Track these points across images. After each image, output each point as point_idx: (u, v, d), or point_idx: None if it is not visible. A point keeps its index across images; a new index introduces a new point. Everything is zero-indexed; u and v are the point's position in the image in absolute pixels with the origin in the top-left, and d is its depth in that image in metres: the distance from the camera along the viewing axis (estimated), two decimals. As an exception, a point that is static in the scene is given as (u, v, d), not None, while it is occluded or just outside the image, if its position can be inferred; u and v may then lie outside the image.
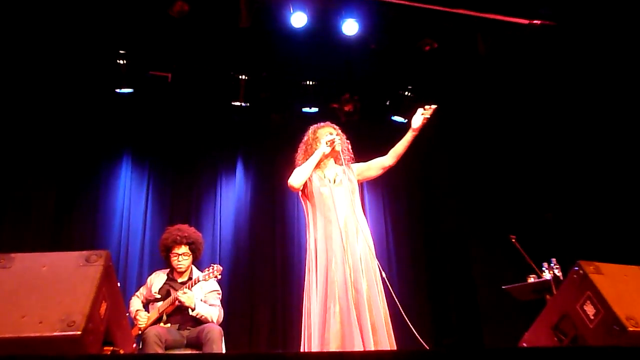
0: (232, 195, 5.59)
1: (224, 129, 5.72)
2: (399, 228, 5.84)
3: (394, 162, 3.02)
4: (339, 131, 3.15)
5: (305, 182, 2.98)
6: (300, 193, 3.01)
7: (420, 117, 2.95)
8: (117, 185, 5.26)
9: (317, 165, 3.02)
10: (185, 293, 3.58)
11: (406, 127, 5.38)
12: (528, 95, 5.36)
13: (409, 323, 2.56)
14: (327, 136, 3.05)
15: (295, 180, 2.91)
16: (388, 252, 5.68)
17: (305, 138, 3.15)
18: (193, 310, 3.60)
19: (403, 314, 2.58)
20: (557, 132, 5.27)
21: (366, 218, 3.04)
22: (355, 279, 2.74)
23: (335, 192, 2.91)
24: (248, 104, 5.41)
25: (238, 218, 5.49)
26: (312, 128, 3.17)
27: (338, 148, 2.96)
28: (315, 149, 3.02)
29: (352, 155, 3.15)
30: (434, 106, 2.89)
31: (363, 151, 3.34)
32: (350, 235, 2.83)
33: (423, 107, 2.94)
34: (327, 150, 2.97)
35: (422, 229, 5.87)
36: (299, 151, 3.14)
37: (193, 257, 3.91)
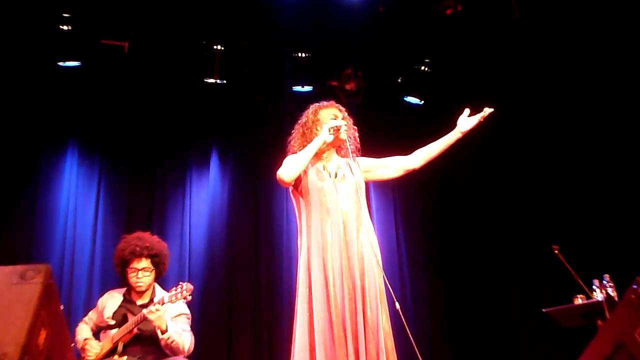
0: (205, 196, 5.62)
1: (194, 113, 5.77)
2: (413, 236, 5.93)
3: (421, 165, 3.07)
4: (346, 114, 3.18)
5: (299, 176, 2.99)
6: (291, 189, 3.04)
7: (474, 119, 2.99)
8: (61, 182, 5.25)
9: (316, 156, 3.03)
10: (157, 310, 3.55)
11: (419, 110, 5.71)
12: (574, 71, 5.43)
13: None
14: (330, 120, 3.08)
15: (287, 171, 2.91)
16: (399, 266, 5.76)
17: (304, 119, 3.17)
18: (164, 332, 3.55)
19: (416, 349, 2.62)
20: (610, 118, 5.32)
21: (373, 223, 3.08)
22: (355, 301, 2.77)
23: (337, 188, 2.96)
24: (225, 82, 5.44)
25: (212, 224, 5.52)
26: (312, 107, 3.19)
27: (343, 136, 3.00)
28: (315, 135, 3.04)
29: (359, 146, 3.19)
30: (490, 110, 2.97)
31: (368, 141, 3.38)
32: (352, 243, 2.86)
33: (471, 108, 3.02)
34: (330, 138, 2.99)
35: (441, 237, 5.96)
36: (294, 135, 3.16)
37: (156, 273, 3.92)
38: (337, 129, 2.97)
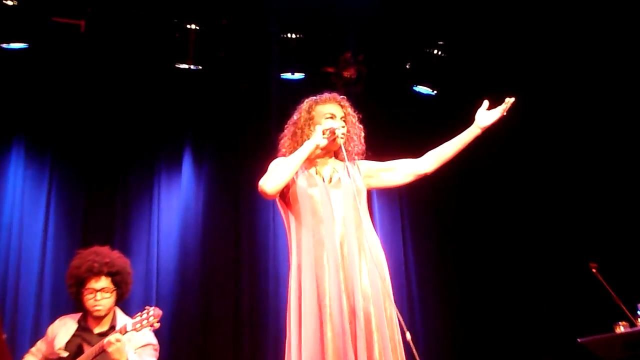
0: (176, 204, 5.67)
1: (164, 105, 5.79)
2: (423, 251, 5.98)
3: (434, 169, 3.10)
4: (350, 111, 3.20)
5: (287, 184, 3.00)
6: (277, 198, 3.06)
7: (495, 112, 3.03)
8: (3, 188, 5.26)
9: (309, 160, 3.06)
10: (118, 341, 3.54)
11: (431, 102, 5.82)
12: (613, 57, 5.54)
13: None
14: (325, 120, 3.10)
15: (269, 182, 2.92)
16: (408, 285, 5.80)
17: (296, 116, 3.20)
18: None
19: None
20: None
21: (377, 234, 3.10)
22: (354, 329, 2.78)
23: (331, 195, 2.98)
24: (200, 67, 5.46)
25: (185, 238, 5.57)
26: (307, 102, 3.21)
27: (340, 141, 3.00)
28: (308, 136, 3.08)
29: (364, 148, 3.22)
30: (511, 100, 2.98)
31: (371, 139, 3.39)
32: (352, 260, 2.87)
33: (490, 101, 3.04)
34: (323, 142, 3.01)
35: (456, 252, 6.02)
36: (285, 134, 3.19)
37: (117, 294, 3.91)
38: (332, 132, 2.99)
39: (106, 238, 5.01)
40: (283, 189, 2.97)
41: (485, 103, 3.05)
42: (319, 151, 3.01)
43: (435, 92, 5.88)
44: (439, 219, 6.11)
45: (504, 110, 2.99)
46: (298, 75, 5.64)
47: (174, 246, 5.55)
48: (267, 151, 3.28)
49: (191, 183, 5.76)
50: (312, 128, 3.08)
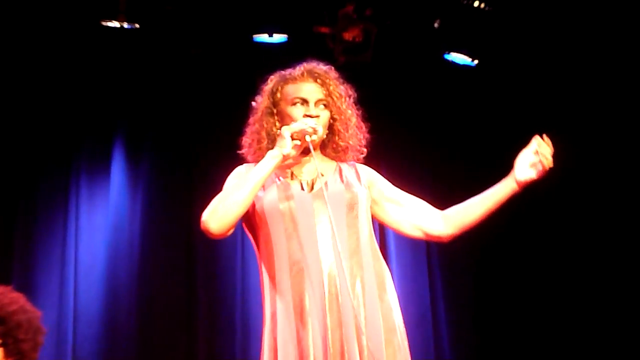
0: (101, 223, 5.70)
1: (85, 79, 5.77)
2: (456, 291, 6.05)
3: (452, 234, 3.19)
4: (337, 89, 3.18)
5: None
6: (242, 222, 3.07)
7: (533, 160, 3.08)
8: None
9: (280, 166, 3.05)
10: None
11: (469, 74, 6.07)
12: None
13: None
14: (298, 105, 3.12)
15: (215, 217, 2.94)
16: (437, 344, 5.82)
17: (256, 102, 3.23)
18: None
19: None
20: None
21: (390, 268, 3.13)
22: None
23: (314, 209, 3.02)
24: (137, 27, 5.44)
25: (115, 270, 5.60)
26: (272, 80, 3.23)
27: (309, 139, 2.98)
28: (270, 134, 3.14)
29: (363, 148, 3.25)
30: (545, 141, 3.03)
31: (382, 132, 3.39)
32: (345, 304, 2.90)
33: (539, 138, 3.08)
34: (293, 152, 3.00)
35: (498, 292, 6.09)
36: (246, 132, 3.24)
37: (5, 352, 3.64)
38: (302, 136, 2.98)
39: (0, 274, 4.97)
40: (247, 212, 3.01)
41: (533, 144, 3.06)
42: (291, 160, 3.02)
43: (475, 61, 5.85)
44: (476, 247, 5.99)
45: (543, 151, 3.04)
46: (278, 38, 5.63)
47: (99, 283, 5.56)
48: (233, 148, 3.22)
49: (123, 194, 5.77)
50: (276, 123, 3.13)
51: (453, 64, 5.89)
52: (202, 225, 2.91)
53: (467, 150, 6.19)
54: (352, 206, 3.01)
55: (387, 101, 5.88)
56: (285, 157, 2.95)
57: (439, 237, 3.16)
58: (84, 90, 5.81)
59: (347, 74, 3.24)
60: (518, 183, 3.05)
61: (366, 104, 3.24)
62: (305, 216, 3.00)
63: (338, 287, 2.90)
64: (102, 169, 5.80)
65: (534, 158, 3.04)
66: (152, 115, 5.94)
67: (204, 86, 5.99)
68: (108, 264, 5.62)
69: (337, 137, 3.14)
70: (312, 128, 2.95)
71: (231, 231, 2.95)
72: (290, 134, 2.94)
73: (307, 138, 2.93)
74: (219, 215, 2.91)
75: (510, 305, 6.16)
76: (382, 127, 3.36)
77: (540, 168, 3.03)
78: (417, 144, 6.12)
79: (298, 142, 2.95)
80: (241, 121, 3.18)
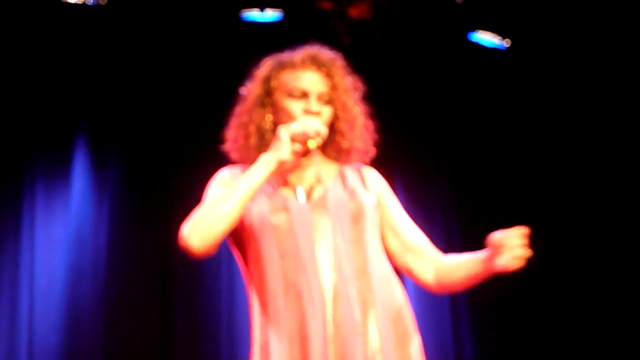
0: (62, 236, 5.50)
1: (40, 65, 5.58)
2: (483, 323, 6.06)
3: (438, 286, 3.08)
4: (343, 81, 3.09)
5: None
6: (228, 239, 3.00)
7: (508, 254, 2.87)
8: None
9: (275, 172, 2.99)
10: None
11: (503, 61, 6.13)
12: None
13: None
14: (291, 102, 3.04)
15: (197, 233, 2.86)
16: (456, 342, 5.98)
17: (246, 90, 3.13)
18: None
19: None
20: None
21: (404, 289, 3.01)
22: None
23: (313, 220, 2.97)
24: (102, 3, 5.35)
25: (77, 292, 5.41)
26: (266, 65, 3.13)
27: (313, 144, 2.90)
28: (261, 130, 3.08)
29: (370, 149, 3.15)
30: (521, 231, 2.87)
31: (390, 125, 3.29)
32: (350, 333, 2.83)
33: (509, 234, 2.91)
34: (291, 158, 2.94)
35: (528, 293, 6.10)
36: (231, 124, 3.15)
37: None
38: (305, 140, 2.91)
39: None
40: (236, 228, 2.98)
41: (507, 238, 2.85)
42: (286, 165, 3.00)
43: (506, 43, 5.76)
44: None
45: (513, 248, 2.85)
46: (271, 15, 5.57)
47: (58, 310, 5.38)
48: (218, 148, 3.08)
49: (87, 202, 5.59)
50: (267, 116, 3.07)
51: (479, 45, 5.83)
52: (181, 242, 2.81)
53: (495, 152, 6.20)
54: (357, 217, 2.93)
55: (398, 91, 5.78)
56: (280, 164, 2.86)
57: (425, 287, 3.08)
58: (37, 80, 5.60)
59: (352, 59, 3.10)
60: (492, 270, 2.89)
61: (374, 95, 3.11)
62: (303, 230, 2.92)
63: (341, 311, 2.83)
64: (61, 172, 5.61)
65: (509, 251, 2.85)
66: (121, 108, 5.72)
67: (183, 74, 5.81)
68: (69, 287, 5.40)
69: (339, 137, 3.04)
70: (316, 131, 2.85)
71: (215, 250, 2.85)
72: (289, 137, 2.85)
73: (311, 144, 2.85)
74: (201, 230, 2.83)
75: (536, 307, 6.19)
76: (391, 124, 3.29)
77: (514, 264, 2.83)
78: (433, 145, 6.03)
79: (298, 147, 2.86)
80: (227, 115, 3.08)
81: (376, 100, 3.12)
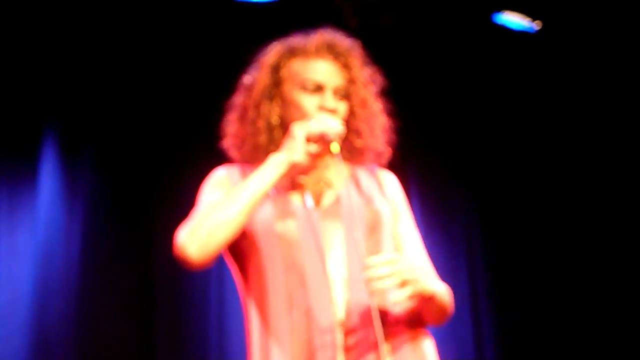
0: (27, 250, 5.32)
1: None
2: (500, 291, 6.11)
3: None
4: (361, 73, 3.02)
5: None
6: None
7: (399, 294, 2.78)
8: None
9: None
10: None
11: (533, 46, 6.18)
12: None
13: None
14: (309, 90, 2.92)
15: (196, 241, 2.74)
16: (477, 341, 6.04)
17: (250, 80, 3.02)
18: None
19: None
20: None
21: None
22: None
23: (323, 230, 2.88)
24: None
25: (45, 313, 5.23)
26: (274, 51, 3.02)
27: (336, 149, 2.81)
28: (269, 126, 2.97)
29: (386, 147, 3.07)
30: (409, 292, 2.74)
31: (406, 121, 3.19)
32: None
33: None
34: (305, 160, 2.81)
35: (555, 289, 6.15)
36: (232, 119, 3.04)
37: None
38: (324, 141, 2.81)
39: None
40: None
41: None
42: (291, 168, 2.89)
43: (537, 25, 5.66)
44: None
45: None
46: None
47: (22, 332, 5.21)
48: (210, 144, 3.10)
49: (57, 207, 5.39)
50: (274, 110, 3.00)
51: (506, 28, 5.72)
52: (177, 250, 2.72)
53: (526, 157, 6.10)
54: (374, 227, 2.85)
55: (412, 84, 5.62)
56: (293, 166, 2.80)
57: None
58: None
59: (370, 54, 3.02)
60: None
61: (393, 85, 3.05)
62: (311, 241, 2.85)
63: (354, 337, 2.73)
64: (26, 175, 5.42)
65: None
66: (94, 102, 5.48)
67: (162, 63, 5.58)
68: (35, 305, 5.20)
69: (354, 136, 2.95)
70: (337, 133, 2.78)
71: (214, 260, 2.80)
72: (305, 136, 2.78)
73: (334, 148, 2.79)
74: (201, 237, 2.75)
75: (560, 307, 6.20)
76: (404, 122, 3.07)
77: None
78: (453, 148, 5.94)
79: (314, 148, 2.78)
80: (219, 108, 2.99)
81: (386, 95, 3.03)
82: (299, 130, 2.75)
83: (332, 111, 2.83)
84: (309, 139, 2.76)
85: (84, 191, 5.45)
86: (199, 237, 2.71)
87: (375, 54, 3.01)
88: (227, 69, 3.20)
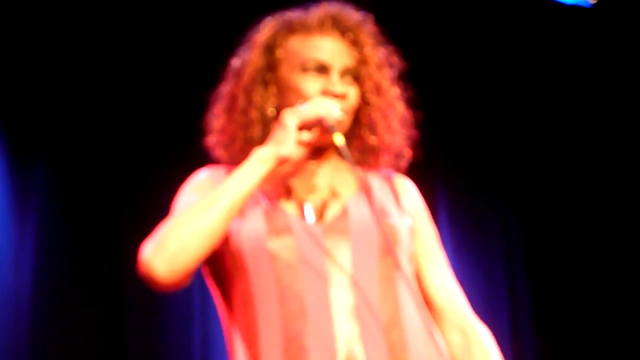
0: None
1: None
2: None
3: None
4: (374, 52, 2.83)
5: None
6: (203, 268, 2.77)
7: None
8: None
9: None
10: None
11: (589, 22, 6.32)
12: None
13: None
14: (312, 72, 2.72)
15: (164, 257, 2.56)
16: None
17: (240, 62, 2.84)
18: None
19: None
20: None
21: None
22: None
23: (330, 249, 2.70)
24: None
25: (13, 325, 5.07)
26: (268, 27, 2.86)
27: (340, 141, 2.62)
28: (262, 115, 2.82)
29: (410, 143, 2.88)
30: None
31: (430, 111, 2.97)
32: None
33: None
34: (296, 152, 2.63)
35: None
36: (218, 110, 2.88)
37: None
38: (322, 128, 2.61)
39: None
40: (212, 254, 2.68)
41: None
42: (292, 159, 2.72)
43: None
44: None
45: None
46: None
47: None
48: (190, 142, 2.99)
49: (5, 222, 5.13)
50: (269, 98, 2.78)
51: (556, 3, 5.48)
52: (141, 268, 2.49)
53: (578, 152, 5.83)
54: (388, 247, 2.61)
55: (438, 65, 5.35)
56: (282, 161, 2.59)
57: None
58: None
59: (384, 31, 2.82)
60: None
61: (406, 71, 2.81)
62: (311, 262, 2.62)
63: None
64: None
65: None
66: (46, 99, 5.13)
67: (131, 44, 5.19)
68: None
69: (366, 131, 2.73)
70: (337, 118, 2.58)
71: (188, 280, 2.56)
72: (297, 123, 2.57)
73: (338, 140, 2.57)
74: (170, 253, 2.52)
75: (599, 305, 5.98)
76: (429, 117, 2.89)
77: None
78: (488, 150, 5.68)
79: (308, 137, 2.57)
80: (202, 100, 2.84)
81: (406, 81, 2.79)
82: (290, 118, 2.56)
83: (341, 96, 2.58)
84: (302, 128, 2.54)
85: (36, 202, 5.10)
86: (167, 251, 2.50)
87: (392, 32, 2.78)
88: (211, 53, 3.13)
